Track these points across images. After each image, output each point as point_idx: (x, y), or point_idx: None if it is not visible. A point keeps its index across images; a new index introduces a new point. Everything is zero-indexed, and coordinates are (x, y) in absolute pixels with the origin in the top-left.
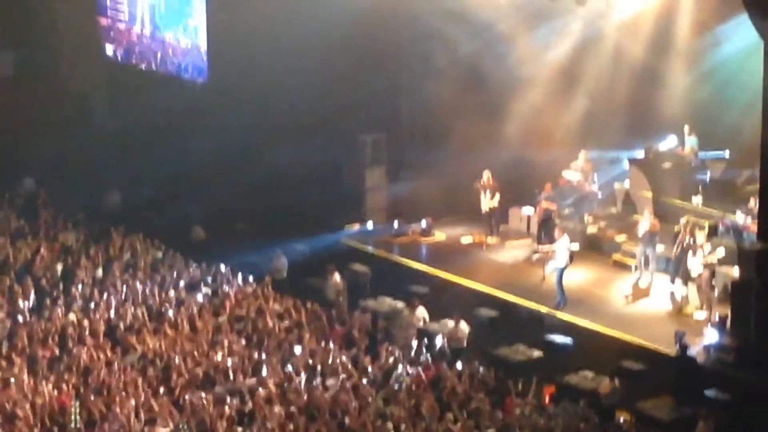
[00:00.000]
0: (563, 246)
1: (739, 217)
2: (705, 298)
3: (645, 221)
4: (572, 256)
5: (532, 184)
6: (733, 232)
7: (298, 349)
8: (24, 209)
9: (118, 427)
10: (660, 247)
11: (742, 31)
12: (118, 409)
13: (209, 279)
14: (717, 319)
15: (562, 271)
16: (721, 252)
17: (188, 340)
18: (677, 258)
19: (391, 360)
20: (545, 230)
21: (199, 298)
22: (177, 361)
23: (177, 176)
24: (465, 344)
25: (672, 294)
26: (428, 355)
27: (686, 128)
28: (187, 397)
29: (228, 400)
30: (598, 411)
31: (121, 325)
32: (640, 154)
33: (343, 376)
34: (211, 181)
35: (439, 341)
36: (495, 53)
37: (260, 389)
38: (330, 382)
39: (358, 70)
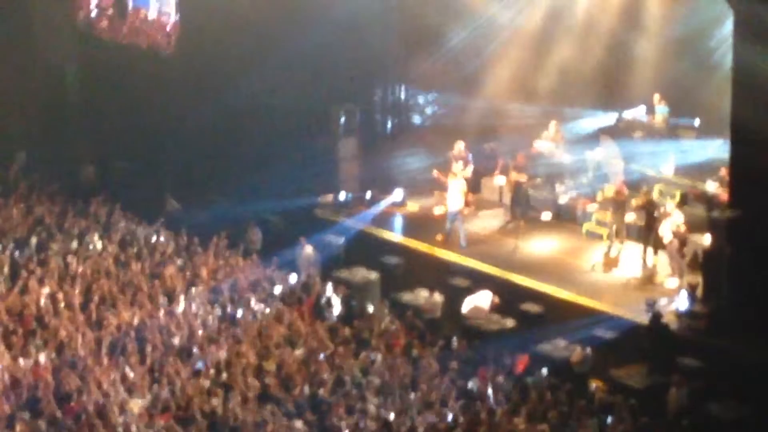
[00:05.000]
0: (456, 190)
1: (710, 186)
2: (676, 266)
3: (609, 189)
4: (467, 202)
5: (504, 154)
6: (703, 200)
7: (272, 321)
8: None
9: (94, 399)
10: (630, 216)
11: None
12: (93, 382)
13: (184, 250)
14: (688, 287)
15: (454, 215)
16: (679, 218)
17: (164, 312)
18: (646, 226)
19: (365, 331)
20: (518, 201)
21: (174, 269)
22: (153, 333)
23: (150, 148)
24: (439, 314)
25: (643, 262)
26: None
27: (656, 97)
28: (163, 368)
29: (204, 371)
30: (570, 379)
31: (97, 298)
32: (611, 123)
33: (315, 346)
34: (185, 153)
35: None
36: (467, 25)
37: (236, 360)
38: (299, 352)
39: (330, 41)
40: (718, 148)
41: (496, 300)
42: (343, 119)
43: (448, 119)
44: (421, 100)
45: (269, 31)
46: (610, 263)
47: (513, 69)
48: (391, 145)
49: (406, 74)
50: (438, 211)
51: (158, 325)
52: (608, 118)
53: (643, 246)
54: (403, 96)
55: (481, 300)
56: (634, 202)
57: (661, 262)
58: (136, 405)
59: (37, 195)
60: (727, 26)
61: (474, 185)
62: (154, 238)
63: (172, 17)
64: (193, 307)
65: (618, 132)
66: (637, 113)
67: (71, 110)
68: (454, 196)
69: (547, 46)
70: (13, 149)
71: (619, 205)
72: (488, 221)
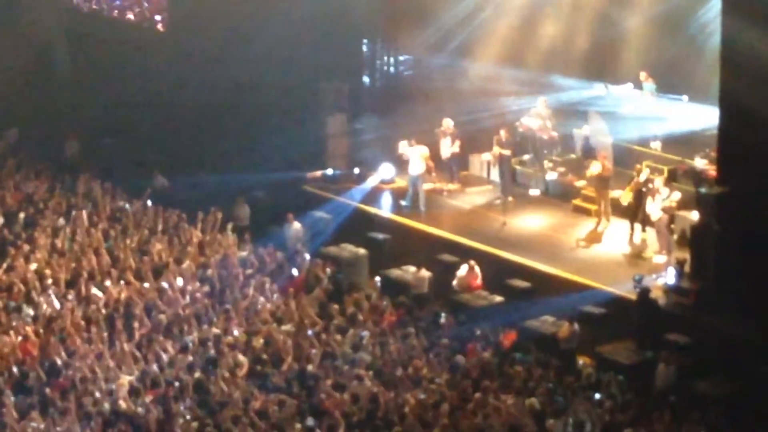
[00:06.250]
0: (417, 155)
1: (698, 162)
2: (664, 242)
3: (595, 166)
4: (429, 169)
5: (492, 130)
6: (691, 176)
7: (261, 297)
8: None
9: (81, 375)
10: (617, 192)
11: None
12: (81, 358)
13: (171, 227)
14: (676, 263)
15: (415, 178)
16: (676, 196)
17: (151, 289)
18: (635, 202)
19: (352, 307)
20: (503, 177)
21: (162, 245)
22: (140, 309)
23: (138, 124)
24: (426, 290)
25: (631, 238)
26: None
27: (643, 74)
28: (151, 344)
29: (192, 347)
30: (558, 355)
31: (85, 274)
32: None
33: (305, 322)
34: (173, 129)
35: None
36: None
37: (224, 337)
38: (288, 328)
39: (320, 18)
40: (707, 119)
41: (476, 269)
42: (331, 96)
43: (434, 87)
44: (407, 66)
45: (257, 7)
46: (592, 239)
47: (500, 44)
48: (380, 115)
49: (395, 46)
50: (426, 187)
51: (146, 301)
52: (596, 90)
53: (630, 222)
54: (392, 67)
55: (461, 270)
56: (630, 187)
57: (650, 239)
58: (125, 380)
59: (25, 171)
60: (715, 3)
61: (462, 162)
62: (141, 215)
63: None
64: (181, 283)
65: (606, 108)
66: (625, 90)
67: (58, 87)
68: (415, 162)
69: (534, 23)
70: (1, 126)
71: (603, 181)
72: (476, 198)
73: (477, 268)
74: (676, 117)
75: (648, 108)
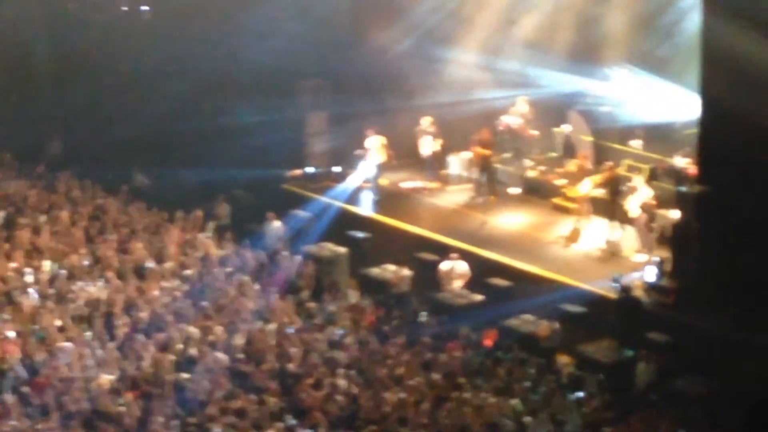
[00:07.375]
0: (374, 146)
1: (678, 161)
2: (644, 241)
3: (572, 163)
4: (390, 156)
5: (472, 129)
6: (672, 175)
7: (241, 296)
8: None
9: (61, 374)
10: (599, 190)
11: None
12: (61, 357)
13: (152, 226)
14: (656, 262)
15: (378, 168)
16: (648, 193)
17: (132, 287)
18: (611, 200)
19: (332, 306)
20: (485, 177)
21: (142, 244)
22: (121, 307)
23: (118, 122)
24: (407, 289)
25: (611, 237)
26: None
27: (624, 70)
28: (131, 344)
29: (172, 346)
30: (538, 354)
31: (65, 273)
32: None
33: (285, 321)
34: (153, 127)
35: None
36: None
37: (205, 336)
38: (269, 327)
39: (302, 16)
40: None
41: (457, 264)
42: (311, 93)
43: (413, 82)
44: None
45: (241, 5)
46: (572, 237)
47: (479, 38)
48: (358, 111)
49: (374, 39)
50: (406, 185)
51: (127, 300)
52: (577, 85)
53: (609, 221)
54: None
55: (443, 265)
56: (599, 178)
57: (629, 237)
58: (105, 380)
59: (6, 170)
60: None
61: (442, 161)
62: (121, 213)
63: None
64: (162, 282)
65: (586, 107)
66: (605, 86)
67: (39, 85)
68: (374, 153)
69: (513, 16)
70: None
71: (581, 179)
72: (456, 196)
73: (460, 263)
74: (656, 107)
75: (628, 100)
